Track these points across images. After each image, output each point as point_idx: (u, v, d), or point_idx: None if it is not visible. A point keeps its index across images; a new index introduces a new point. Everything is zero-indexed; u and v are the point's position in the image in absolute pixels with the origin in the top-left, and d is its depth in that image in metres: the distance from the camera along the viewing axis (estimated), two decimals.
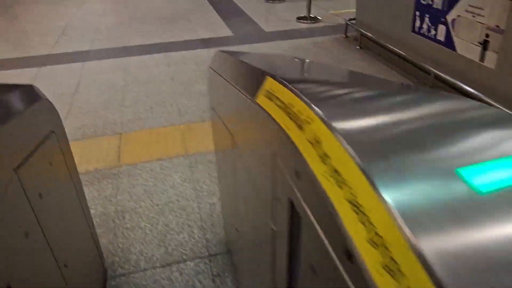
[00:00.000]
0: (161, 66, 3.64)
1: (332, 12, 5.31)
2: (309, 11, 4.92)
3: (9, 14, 5.75)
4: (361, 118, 0.52)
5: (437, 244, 0.30)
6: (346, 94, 0.67)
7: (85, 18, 5.46)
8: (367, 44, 3.95)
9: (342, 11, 5.33)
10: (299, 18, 5.01)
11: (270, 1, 6.03)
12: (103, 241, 1.66)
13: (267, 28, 4.74)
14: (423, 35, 2.98)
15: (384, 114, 0.54)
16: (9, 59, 3.98)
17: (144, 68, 3.61)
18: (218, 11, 5.57)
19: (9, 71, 3.68)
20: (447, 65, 2.80)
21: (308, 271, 0.54)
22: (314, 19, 4.97)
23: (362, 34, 3.93)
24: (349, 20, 4.26)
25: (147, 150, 2.38)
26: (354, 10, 5.26)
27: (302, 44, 4.13)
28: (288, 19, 5.06)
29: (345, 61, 3.63)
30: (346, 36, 4.33)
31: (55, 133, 1.12)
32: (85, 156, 2.34)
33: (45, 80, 3.41)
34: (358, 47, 3.98)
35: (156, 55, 3.93)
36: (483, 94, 2.48)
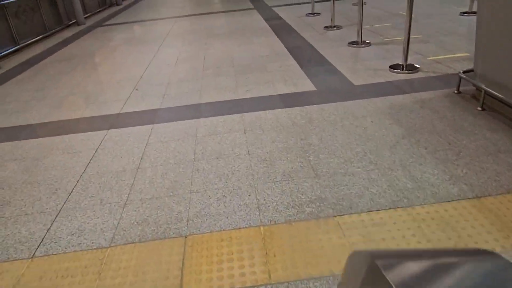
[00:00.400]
0: (235, 132, 3.14)
1: (431, 58, 4.50)
2: (406, 57, 4.18)
3: (89, 64, 5.82)
4: None
5: None
6: None
7: (160, 67, 5.28)
8: (493, 104, 3.10)
9: (445, 56, 4.50)
10: (392, 67, 4.29)
11: (354, 45, 5.40)
12: None
13: (356, 80, 4.08)
14: None
15: None
16: (80, 120, 3.79)
17: (216, 135, 3.13)
18: (297, 58, 5.06)
19: (78, 134, 3.45)
20: None
21: None
22: (412, 68, 4.21)
23: (485, 92, 3.09)
24: (463, 72, 3.45)
25: (216, 269, 1.80)
26: (461, 54, 4.40)
27: (403, 103, 3.39)
28: (379, 68, 4.36)
29: (466, 131, 2.80)
30: (459, 92, 3.50)
31: None
32: (140, 274, 1.83)
33: (109, 150, 3.08)
34: (479, 109, 3.13)
35: (229, 117, 3.46)
36: None
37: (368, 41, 5.46)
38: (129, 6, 13.70)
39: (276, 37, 6.39)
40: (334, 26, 6.61)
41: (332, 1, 6.47)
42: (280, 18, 8.07)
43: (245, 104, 3.75)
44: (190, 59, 5.52)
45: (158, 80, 4.73)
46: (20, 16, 7.80)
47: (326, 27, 6.68)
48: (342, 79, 4.17)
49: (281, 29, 6.92)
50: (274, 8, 9.43)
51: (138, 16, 10.86)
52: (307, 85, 4.08)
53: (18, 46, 7.45)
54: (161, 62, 5.56)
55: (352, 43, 5.47)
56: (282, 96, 3.87)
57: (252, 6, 10.19)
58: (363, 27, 5.31)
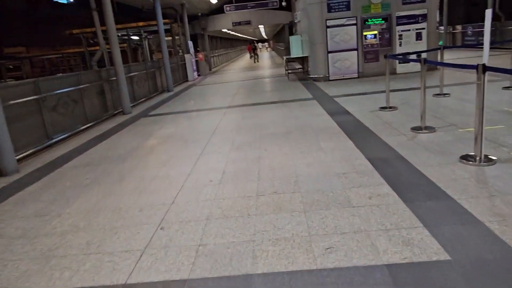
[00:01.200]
0: None
1: None
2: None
3: (114, 174, 4.66)
4: None
5: None
6: None
7: (199, 186, 3.95)
8: None
9: None
10: (463, 157, 2.60)
11: (471, 162, 3.78)
12: None
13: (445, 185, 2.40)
14: None
15: None
16: None
17: None
18: (391, 182, 3.51)
19: None
20: None
21: None
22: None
23: None
24: None
25: None
26: None
27: None
28: (450, 152, 2.66)
29: None
30: None
31: None
32: None
33: None
34: None
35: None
36: None
37: (490, 156, 3.82)
38: (180, 92, 13.36)
39: (350, 141, 4.97)
40: (426, 128, 5.09)
41: (421, 91, 5.05)
42: (348, 112, 6.75)
43: (329, 283, 2.17)
44: (239, 176, 4.15)
45: (194, 213, 3.34)
46: (59, 109, 7.16)
47: (414, 129, 5.18)
48: (488, 235, 2.50)
49: (354, 130, 5.52)
50: (336, 99, 8.22)
51: (186, 105, 10.16)
52: (428, 244, 2.45)
53: (50, 142, 6.65)
54: (202, 176, 4.25)
55: (466, 158, 3.86)
56: (391, 269, 2.25)
57: (311, 96, 9.10)
58: (463, 128, 3.73)
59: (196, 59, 19.95)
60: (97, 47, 26.93)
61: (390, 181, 3.53)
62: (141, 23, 20.59)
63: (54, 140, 6.77)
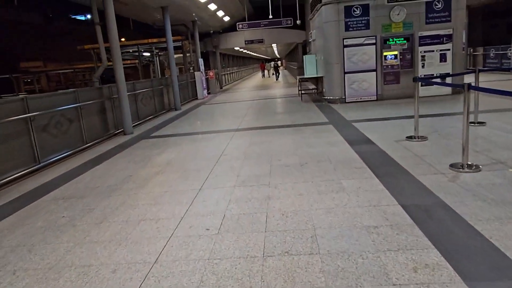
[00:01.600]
0: None
1: None
2: None
3: (96, 212, 3.93)
4: None
5: None
6: None
7: (193, 235, 3.20)
8: None
9: None
10: None
11: (459, 169, 2.95)
12: None
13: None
14: None
15: None
16: None
17: None
18: (441, 246, 2.69)
19: None
20: None
21: None
22: None
23: None
24: None
25: None
26: None
27: None
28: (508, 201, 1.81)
29: None
30: None
31: None
32: None
33: None
34: None
35: None
36: None
37: None
38: (188, 111, 12.75)
39: (377, 179, 4.16)
40: (468, 165, 4.26)
41: (464, 119, 4.25)
42: (370, 141, 5.96)
43: None
44: (243, 223, 3.38)
45: (180, 279, 2.56)
46: (50, 129, 6.53)
47: (454, 166, 4.36)
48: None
49: (380, 164, 4.72)
50: (355, 124, 7.44)
51: (192, 125, 9.49)
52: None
53: (38, 166, 5.99)
54: (198, 222, 3.49)
55: (460, 167, 3.02)
56: None
57: (327, 120, 8.34)
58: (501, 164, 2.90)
59: (207, 77, 19.48)
60: (110, 63, 26.95)
61: (439, 243, 2.71)
62: (152, 40, 20.30)
63: (42, 164, 6.12)
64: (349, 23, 10.66)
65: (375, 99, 10.97)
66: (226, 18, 20.87)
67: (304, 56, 14.27)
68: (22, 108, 5.88)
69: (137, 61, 26.47)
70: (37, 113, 6.05)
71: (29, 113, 5.92)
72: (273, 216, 3.44)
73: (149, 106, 11.59)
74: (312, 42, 15.39)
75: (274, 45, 37.00)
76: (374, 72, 10.84)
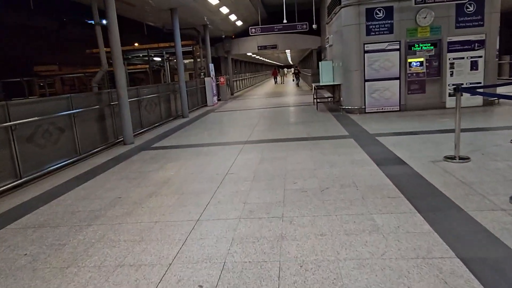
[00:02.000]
0: None
1: None
2: None
3: (58, 256, 3.15)
4: None
5: None
6: None
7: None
8: None
9: None
10: None
11: None
12: None
13: None
14: None
15: None
16: None
17: None
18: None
19: None
20: None
21: None
22: None
23: None
24: None
25: None
26: None
27: None
28: None
29: None
30: None
31: None
32: None
33: None
34: None
35: None
36: None
37: None
38: (195, 119, 12.02)
39: (420, 216, 3.29)
40: None
41: None
42: (401, 161, 5.08)
43: None
44: (247, 278, 2.57)
45: None
46: (37, 140, 5.82)
47: None
48: None
49: (420, 194, 3.84)
50: (380, 139, 6.56)
51: (198, 136, 8.71)
52: None
53: (18, 182, 5.27)
54: (189, 273, 2.67)
55: None
56: None
57: (347, 133, 7.48)
58: None
59: (217, 83, 18.79)
60: (140, 66, 26.20)
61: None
62: (162, 44, 19.74)
63: (25, 179, 5.40)
64: (371, 26, 9.81)
65: (398, 109, 10.06)
66: (239, 23, 20.21)
67: (319, 63, 13.45)
68: (3, 116, 5.18)
69: (147, 66, 25.97)
70: (19, 121, 5.34)
71: (10, 122, 5.21)
72: (288, 268, 2.60)
73: (154, 113, 10.89)
74: (328, 47, 14.57)
75: (287, 51, 36.29)
76: (397, 80, 9.94)
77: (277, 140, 7.34)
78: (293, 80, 31.74)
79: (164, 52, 22.45)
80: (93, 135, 7.53)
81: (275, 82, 37.09)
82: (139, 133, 9.43)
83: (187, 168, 5.63)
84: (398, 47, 9.78)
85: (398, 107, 10.05)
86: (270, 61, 54.92)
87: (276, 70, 38.07)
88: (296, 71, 30.75)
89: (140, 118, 9.78)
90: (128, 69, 31.58)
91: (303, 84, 30.15)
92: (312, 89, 22.53)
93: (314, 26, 16.17)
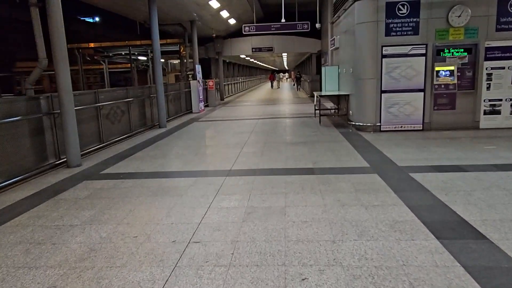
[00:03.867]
0: None
1: None
2: None
3: None
4: None
5: None
6: None
7: None
8: None
9: None
10: None
11: None
12: None
13: None
14: None
15: None
16: None
17: None
18: None
19: None
20: None
21: None
22: None
23: None
24: None
25: None
26: None
27: None
28: None
29: None
30: None
31: None
32: None
33: None
34: None
35: None
36: None
37: None
38: (174, 130, 9.98)
39: None
40: None
41: None
42: (470, 228, 3.12)
43: None
44: None
45: None
46: None
47: None
48: None
49: None
50: (417, 177, 4.62)
51: (166, 158, 6.67)
52: None
53: None
54: None
55: None
56: None
57: (366, 163, 5.52)
58: None
59: (205, 86, 16.77)
60: (127, 65, 23.80)
61: None
62: (145, 41, 17.68)
63: None
64: (392, 25, 7.91)
65: (421, 128, 8.16)
66: (232, 21, 18.25)
67: (323, 68, 11.54)
68: None
69: (131, 65, 23.87)
70: None
71: None
72: None
73: (121, 124, 8.83)
74: (331, 51, 12.67)
75: (284, 55, 34.45)
76: (421, 93, 8.05)
77: (271, 171, 5.35)
78: (294, 85, 31.14)
79: (149, 51, 20.41)
80: (20, 156, 5.47)
81: (272, 87, 36.08)
82: (95, 150, 7.38)
83: (132, 225, 3.60)
84: (424, 51, 7.89)
85: (421, 125, 8.15)
86: (265, 64, 53.07)
87: (273, 75, 37.13)
88: (298, 75, 30.05)
89: (99, 130, 7.72)
90: (110, 68, 29.38)
91: (300, 91, 28.30)
92: (310, 96, 20.66)
93: (317, 25, 14.21)
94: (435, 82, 7.95)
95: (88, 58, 19.09)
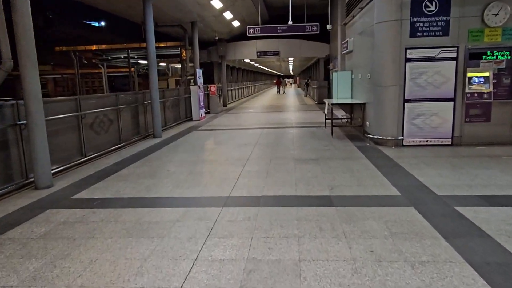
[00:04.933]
0: None
1: None
2: None
3: None
4: None
5: None
6: None
7: None
8: None
9: None
10: None
11: None
12: None
13: None
14: None
15: None
16: None
17: None
18: None
19: None
20: None
21: None
22: None
23: None
24: None
25: None
26: None
27: None
28: None
29: None
30: None
31: None
32: None
33: None
34: None
35: None
36: None
37: None
38: (169, 141, 9.00)
39: None
40: None
41: None
42: None
43: None
44: None
45: None
46: None
47: None
48: None
49: None
50: (466, 213, 3.57)
51: (155, 178, 5.66)
52: None
53: None
54: None
55: None
56: None
57: (396, 191, 4.47)
58: None
59: (207, 92, 15.82)
60: (132, 68, 23.07)
61: None
62: (144, 44, 16.75)
63: None
64: (418, 24, 6.88)
65: (450, 143, 7.10)
66: (236, 23, 17.32)
67: (334, 73, 10.52)
68: None
69: (132, 69, 22.99)
70: None
71: None
72: None
73: (108, 134, 7.84)
74: (345, 55, 11.66)
75: (290, 60, 33.52)
76: (451, 102, 7.00)
77: (279, 200, 4.32)
78: (303, 89, 31.81)
79: None
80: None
81: (278, 92, 35.91)
82: (75, 165, 6.39)
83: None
84: (455, 55, 6.85)
85: (450, 139, 7.10)
86: (269, 69, 52.17)
87: (279, 80, 37.29)
88: (308, 80, 29.77)
89: (81, 142, 6.74)
90: (114, 72, 28.53)
91: (306, 97, 27.31)
92: (317, 103, 19.64)
93: (328, 26, 13.20)
94: (467, 90, 6.90)
95: (85, 62, 18.24)
